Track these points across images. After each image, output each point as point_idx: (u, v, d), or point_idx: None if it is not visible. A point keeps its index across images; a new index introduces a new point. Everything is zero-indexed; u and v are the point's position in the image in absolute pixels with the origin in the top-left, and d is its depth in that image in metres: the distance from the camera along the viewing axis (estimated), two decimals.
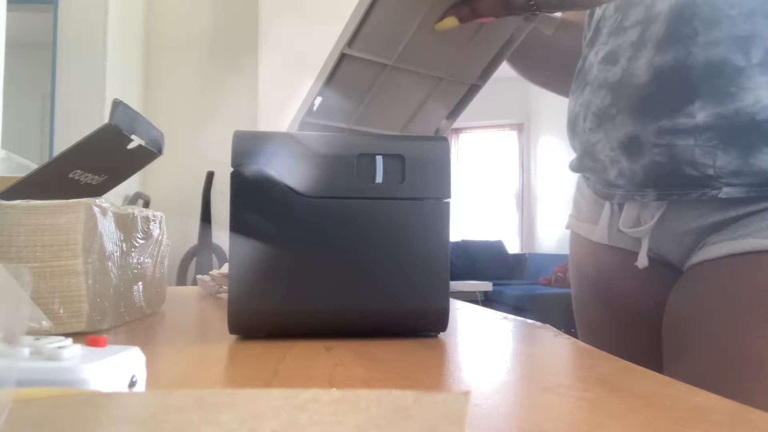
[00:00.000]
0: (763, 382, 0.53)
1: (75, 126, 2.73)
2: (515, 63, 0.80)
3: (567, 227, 0.84)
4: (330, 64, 0.53)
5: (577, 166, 0.76)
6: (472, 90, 0.63)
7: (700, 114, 0.58)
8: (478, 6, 0.52)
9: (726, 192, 0.59)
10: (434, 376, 0.35)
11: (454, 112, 0.65)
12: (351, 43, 0.52)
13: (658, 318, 0.68)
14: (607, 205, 0.73)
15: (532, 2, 0.51)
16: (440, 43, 0.56)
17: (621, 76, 0.64)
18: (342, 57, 0.53)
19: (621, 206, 0.71)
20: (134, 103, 3.45)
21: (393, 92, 0.58)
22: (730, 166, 0.58)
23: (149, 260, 0.58)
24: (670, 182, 0.63)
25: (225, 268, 0.75)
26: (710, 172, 0.59)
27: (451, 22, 0.52)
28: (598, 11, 0.70)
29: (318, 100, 0.56)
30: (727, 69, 0.57)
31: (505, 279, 4.92)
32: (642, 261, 0.68)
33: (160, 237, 0.60)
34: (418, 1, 0.52)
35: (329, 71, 0.53)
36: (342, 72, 0.53)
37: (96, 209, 0.46)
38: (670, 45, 0.60)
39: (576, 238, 0.82)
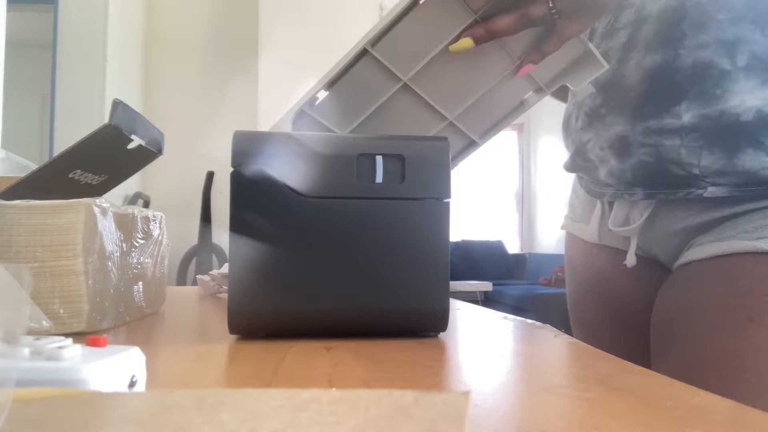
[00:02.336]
0: (746, 382, 0.53)
1: (75, 126, 2.73)
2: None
3: (562, 228, 0.85)
4: (348, 57, 0.52)
5: (570, 166, 0.77)
6: (471, 146, 0.62)
7: (686, 115, 0.59)
8: (494, 24, 0.50)
9: (711, 191, 0.60)
10: (434, 376, 0.35)
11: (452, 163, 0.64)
12: (375, 43, 0.52)
13: (648, 317, 0.69)
14: (598, 204, 0.74)
15: (554, 11, 0.49)
16: (456, 82, 0.56)
17: (611, 76, 0.65)
18: (362, 54, 0.52)
19: (611, 205, 0.72)
20: (134, 103, 3.45)
21: (398, 114, 0.57)
22: (715, 165, 0.59)
23: (149, 260, 0.58)
24: (658, 181, 0.64)
25: (225, 268, 0.75)
26: (696, 171, 0.60)
27: (465, 43, 0.51)
28: None
29: (322, 94, 0.55)
30: (713, 72, 0.58)
31: (505, 279, 4.92)
32: (630, 260, 0.69)
33: (160, 237, 0.60)
34: (444, 27, 0.52)
35: (345, 64, 0.52)
36: (357, 70, 0.53)
37: (96, 209, 0.46)
38: (658, 47, 0.61)
39: (570, 239, 0.83)
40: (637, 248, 0.70)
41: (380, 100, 0.55)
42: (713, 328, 0.58)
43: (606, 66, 0.57)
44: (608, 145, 0.66)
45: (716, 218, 0.62)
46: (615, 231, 0.71)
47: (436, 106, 0.58)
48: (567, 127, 0.75)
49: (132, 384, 0.23)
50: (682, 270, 0.65)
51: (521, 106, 0.60)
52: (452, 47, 0.51)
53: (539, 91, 0.60)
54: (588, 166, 0.72)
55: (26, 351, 0.22)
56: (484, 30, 0.51)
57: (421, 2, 0.51)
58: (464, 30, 0.52)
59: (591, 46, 0.56)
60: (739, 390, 0.53)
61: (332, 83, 0.54)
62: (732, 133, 0.58)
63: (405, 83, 0.55)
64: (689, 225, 0.64)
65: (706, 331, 0.58)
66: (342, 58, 0.53)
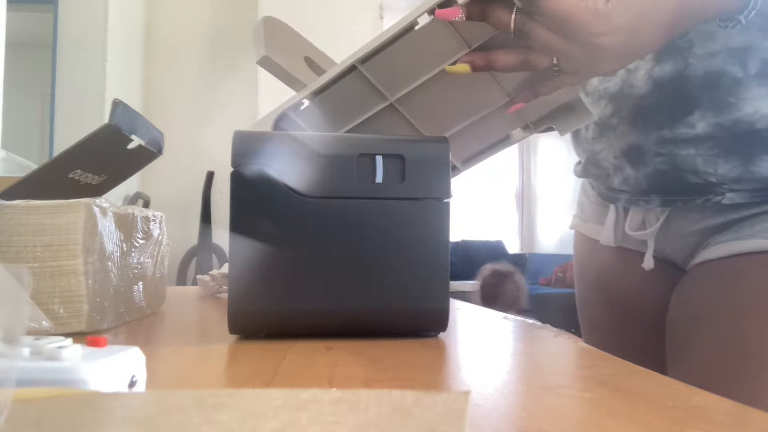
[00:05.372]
0: (766, 381, 0.53)
1: (75, 126, 2.72)
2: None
3: (571, 227, 0.85)
4: (336, 70, 0.52)
5: (581, 172, 0.77)
6: (452, 171, 0.63)
7: (700, 124, 0.59)
8: (495, 58, 0.50)
9: (729, 198, 0.60)
10: (434, 376, 0.35)
11: None
12: (365, 60, 0.52)
13: (661, 317, 0.68)
14: (612, 208, 0.74)
15: (556, 69, 0.49)
16: (442, 108, 0.56)
17: (621, 86, 0.65)
18: (351, 69, 0.52)
19: (626, 209, 0.71)
20: (134, 103, 3.45)
21: (381, 130, 0.57)
22: (732, 173, 0.59)
23: (149, 260, 0.58)
24: (674, 189, 0.64)
25: (225, 268, 0.75)
26: (712, 179, 0.60)
27: (462, 68, 0.50)
28: None
29: (308, 101, 0.55)
30: (725, 80, 0.57)
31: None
32: (648, 263, 0.69)
33: (160, 237, 0.60)
34: (437, 55, 0.52)
35: (332, 77, 0.52)
36: (344, 83, 0.53)
37: (96, 209, 0.46)
38: (668, 56, 0.60)
39: (580, 238, 0.82)
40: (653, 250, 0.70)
41: (365, 115, 0.55)
42: (732, 326, 0.58)
43: (595, 117, 0.58)
44: (622, 154, 0.66)
45: (733, 219, 0.62)
46: (632, 235, 0.70)
47: (420, 129, 0.58)
48: (577, 137, 0.75)
49: (132, 384, 0.23)
50: (698, 269, 0.64)
51: (507, 140, 0.61)
52: (448, 68, 0.51)
53: (526, 128, 0.60)
54: (601, 174, 0.72)
55: (26, 351, 0.22)
56: (483, 61, 0.50)
57: (416, 28, 0.50)
58: (457, 60, 0.52)
59: (582, 95, 0.57)
60: (760, 388, 0.53)
61: (320, 91, 0.54)
62: (747, 141, 0.58)
63: (391, 103, 0.55)
64: (705, 226, 0.64)
65: (724, 329, 0.58)
66: (332, 69, 0.53)
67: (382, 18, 3.58)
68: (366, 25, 3.48)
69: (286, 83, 0.57)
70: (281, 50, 0.58)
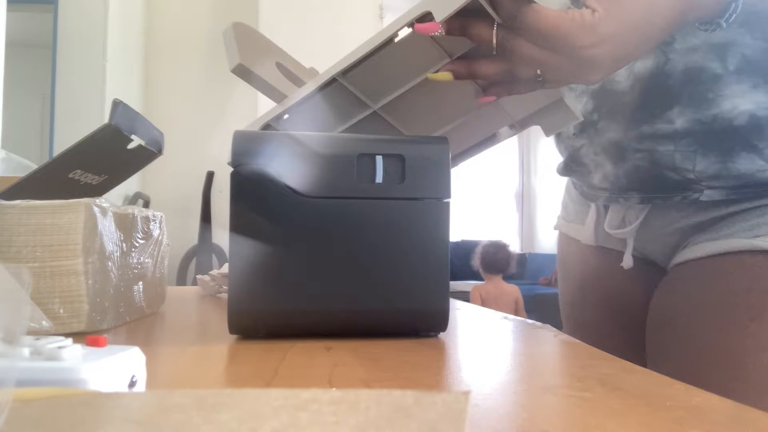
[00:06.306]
0: (746, 382, 0.53)
1: (75, 126, 2.72)
2: None
3: (555, 228, 0.85)
4: (317, 83, 0.52)
5: (563, 170, 0.77)
6: None
7: (679, 120, 0.59)
8: (478, 67, 0.50)
9: (707, 195, 0.60)
10: (434, 376, 0.35)
11: None
12: (346, 72, 0.51)
13: (643, 317, 0.69)
14: (593, 206, 0.74)
15: (540, 79, 0.49)
16: (427, 112, 0.56)
17: (602, 83, 0.65)
18: (331, 81, 0.52)
19: (606, 208, 0.71)
20: (134, 103, 3.45)
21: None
22: (710, 170, 0.59)
23: (149, 260, 0.58)
24: (653, 186, 0.64)
25: (225, 268, 0.75)
26: (691, 176, 0.60)
27: (445, 76, 0.50)
28: None
29: (290, 111, 0.55)
30: (705, 76, 0.58)
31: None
32: (627, 262, 0.69)
33: (160, 237, 0.60)
34: (418, 65, 0.52)
35: (314, 89, 0.52)
36: (326, 94, 0.53)
37: (96, 209, 0.46)
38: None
39: (564, 239, 0.83)
40: (633, 249, 0.70)
41: (349, 122, 0.55)
42: (713, 327, 0.58)
43: (580, 118, 0.57)
44: (602, 150, 0.66)
45: (713, 218, 0.62)
46: (611, 233, 0.71)
47: (405, 132, 0.58)
48: (559, 135, 0.75)
49: (132, 384, 0.23)
50: (678, 269, 0.64)
51: (493, 138, 0.61)
52: (431, 76, 0.51)
53: (512, 127, 0.60)
54: (582, 171, 0.72)
55: (26, 351, 0.22)
56: (466, 70, 0.50)
57: (396, 40, 0.50)
58: (439, 69, 0.52)
59: (566, 99, 0.57)
60: (743, 390, 0.53)
61: (302, 102, 0.54)
62: (726, 138, 0.58)
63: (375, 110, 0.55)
64: (685, 225, 0.64)
65: (705, 330, 0.58)
66: (313, 80, 0.52)
67: (382, 18, 3.58)
68: (366, 26, 3.48)
69: (261, 92, 0.56)
70: (254, 57, 0.57)
